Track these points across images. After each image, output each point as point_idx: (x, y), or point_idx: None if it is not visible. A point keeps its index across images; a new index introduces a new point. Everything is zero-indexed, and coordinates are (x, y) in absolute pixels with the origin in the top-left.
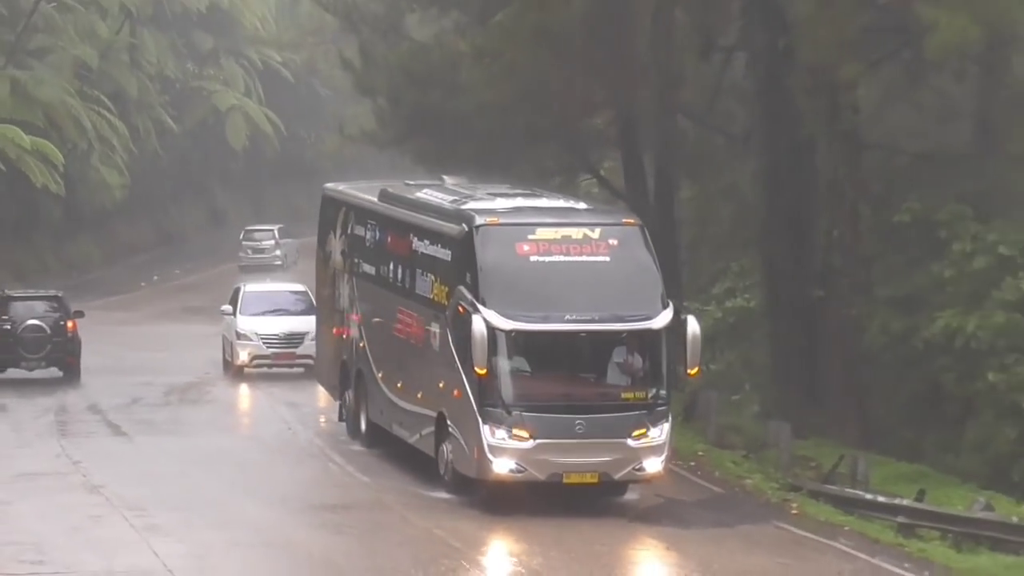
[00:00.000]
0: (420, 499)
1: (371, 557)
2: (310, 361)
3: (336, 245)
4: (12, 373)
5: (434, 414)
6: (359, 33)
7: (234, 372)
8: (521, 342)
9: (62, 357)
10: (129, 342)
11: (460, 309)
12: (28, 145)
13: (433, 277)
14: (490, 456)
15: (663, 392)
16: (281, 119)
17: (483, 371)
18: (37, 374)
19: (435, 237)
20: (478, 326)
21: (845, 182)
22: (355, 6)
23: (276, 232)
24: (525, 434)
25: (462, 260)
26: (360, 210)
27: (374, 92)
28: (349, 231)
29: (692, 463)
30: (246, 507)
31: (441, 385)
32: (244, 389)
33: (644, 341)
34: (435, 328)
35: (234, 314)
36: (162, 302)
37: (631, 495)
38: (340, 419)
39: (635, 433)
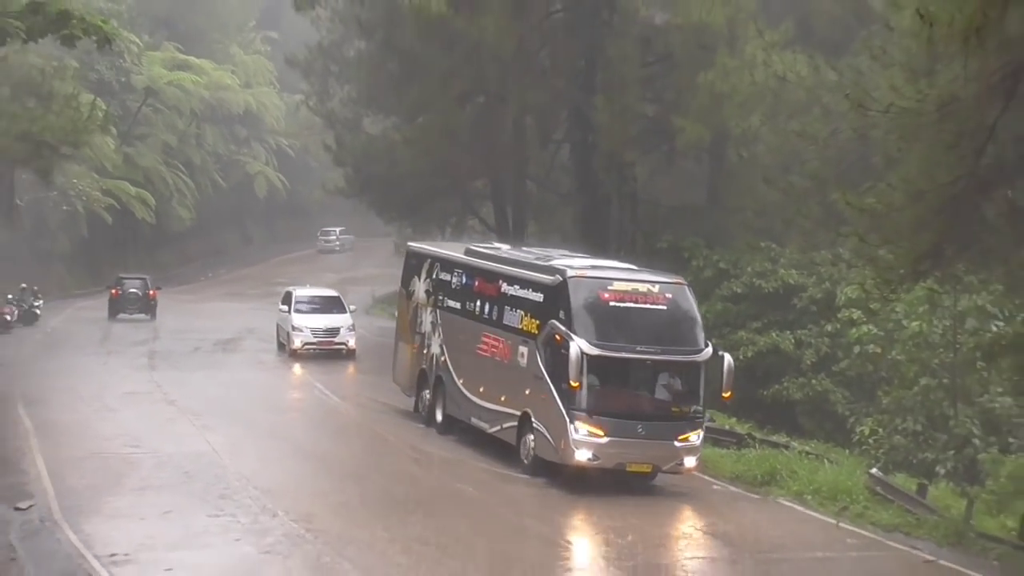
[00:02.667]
0: (387, 414)
1: (340, 448)
2: (342, 347)
3: (420, 286)
4: (121, 317)
5: (518, 413)
6: (335, 128)
7: (290, 354)
8: (602, 364)
9: (147, 310)
10: (193, 314)
11: (557, 338)
12: (133, 193)
13: (523, 313)
14: (574, 448)
15: (700, 408)
16: (287, 179)
17: (576, 384)
18: (135, 318)
19: (526, 283)
20: (574, 351)
21: (628, 223)
22: (333, 112)
23: (338, 232)
24: (601, 432)
25: (555, 302)
26: (446, 261)
27: (344, 164)
28: (434, 276)
29: None
30: (263, 415)
31: (527, 392)
32: (267, 344)
33: (690, 370)
34: (523, 349)
35: (288, 311)
36: (214, 289)
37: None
38: (415, 410)
39: (680, 437)
